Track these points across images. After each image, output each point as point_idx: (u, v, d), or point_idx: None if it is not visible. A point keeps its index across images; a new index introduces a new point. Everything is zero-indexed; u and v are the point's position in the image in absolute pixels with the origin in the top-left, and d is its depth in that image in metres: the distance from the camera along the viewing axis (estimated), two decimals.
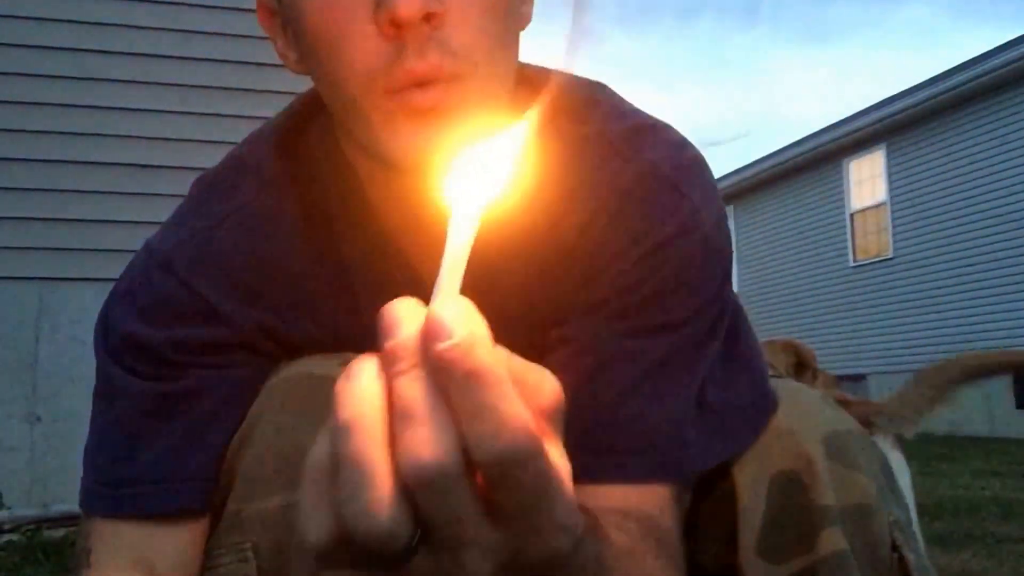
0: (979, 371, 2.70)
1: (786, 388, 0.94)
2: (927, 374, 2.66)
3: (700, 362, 0.83)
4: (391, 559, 0.40)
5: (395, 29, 0.66)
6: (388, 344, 0.39)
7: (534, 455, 0.39)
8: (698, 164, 0.85)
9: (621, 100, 0.89)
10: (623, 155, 0.83)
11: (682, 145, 0.86)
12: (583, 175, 0.83)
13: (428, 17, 0.66)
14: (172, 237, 0.83)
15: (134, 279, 0.83)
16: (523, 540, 0.41)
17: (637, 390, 0.79)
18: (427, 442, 0.37)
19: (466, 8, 0.69)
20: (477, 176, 0.41)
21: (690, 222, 0.81)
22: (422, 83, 0.68)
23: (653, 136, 0.85)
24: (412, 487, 0.38)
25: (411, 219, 0.81)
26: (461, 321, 0.38)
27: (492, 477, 0.39)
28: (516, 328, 0.85)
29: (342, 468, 0.38)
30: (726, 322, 0.86)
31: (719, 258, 0.84)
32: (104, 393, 0.82)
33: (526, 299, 0.84)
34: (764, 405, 0.88)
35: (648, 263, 0.80)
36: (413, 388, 0.38)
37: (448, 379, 0.37)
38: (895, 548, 0.85)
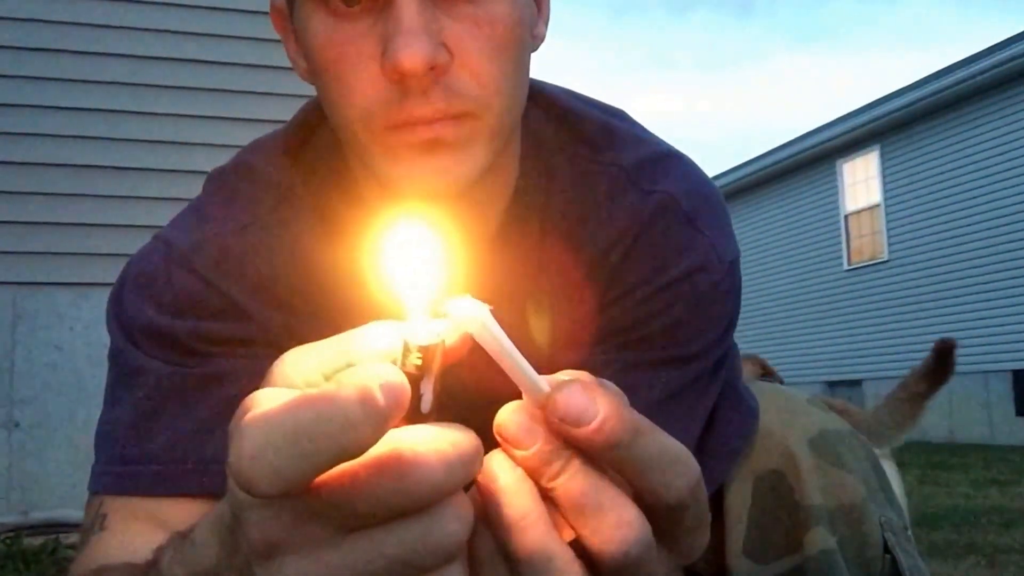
0: (932, 373, 2.72)
1: (772, 390, 0.94)
2: (897, 393, 2.70)
3: (707, 396, 0.83)
4: None
5: (399, 76, 0.66)
6: (532, 451, 0.39)
7: (701, 474, 0.42)
8: (715, 198, 0.86)
9: (639, 127, 0.90)
10: (641, 186, 0.83)
11: (700, 178, 0.86)
12: (600, 204, 0.84)
13: (433, 68, 0.66)
14: (192, 235, 0.83)
15: (152, 272, 0.82)
16: (687, 547, 0.44)
17: None
18: (624, 523, 0.39)
19: (475, 54, 0.69)
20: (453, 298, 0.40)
21: (706, 259, 0.82)
22: (425, 122, 0.68)
23: (671, 167, 0.85)
24: (613, 566, 0.39)
25: None
26: (593, 396, 0.39)
27: (675, 513, 0.41)
28: (527, 350, 0.84)
29: (527, 560, 0.39)
30: (732, 354, 0.87)
31: (732, 295, 0.84)
32: (121, 375, 0.81)
33: (539, 321, 0.85)
34: (752, 422, 0.88)
35: (662, 297, 0.81)
36: (584, 480, 0.39)
37: (618, 448, 0.39)
38: (887, 549, 0.84)
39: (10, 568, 3.09)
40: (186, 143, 4.01)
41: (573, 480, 0.39)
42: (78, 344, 3.95)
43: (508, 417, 0.39)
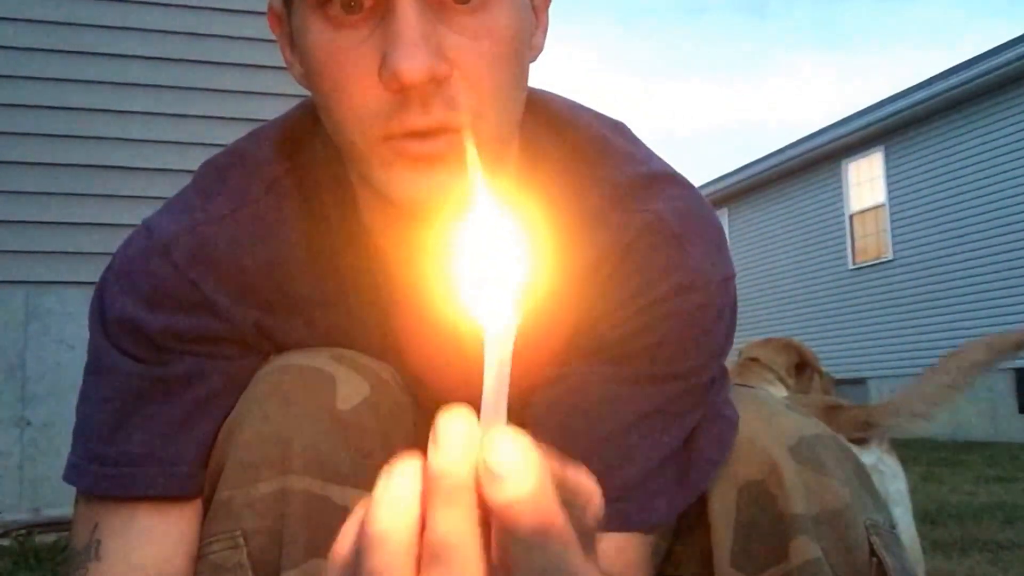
0: (1002, 348, 2.62)
1: (750, 397, 0.94)
2: (942, 365, 2.60)
3: (688, 416, 0.83)
4: None
5: (398, 86, 0.66)
6: (438, 463, 0.36)
7: None
8: (706, 219, 0.86)
9: (637, 144, 0.90)
10: (630, 205, 0.83)
11: (691, 198, 0.86)
12: (590, 220, 0.83)
13: (433, 79, 0.66)
14: (174, 224, 0.82)
15: (132, 260, 0.82)
16: None
17: (616, 439, 0.80)
18: None
19: (474, 65, 0.68)
20: (501, 293, 0.39)
21: (690, 280, 0.81)
22: (424, 135, 0.68)
23: (663, 187, 0.85)
24: None
25: (402, 240, 0.82)
26: (527, 468, 0.36)
27: None
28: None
29: None
30: (723, 377, 0.87)
31: (722, 315, 0.84)
32: (95, 368, 0.82)
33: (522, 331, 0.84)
34: (731, 433, 0.88)
35: (646, 317, 0.81)
36: (451, 525, 0.36)
37: (508, 531, 0.36)
38: (874, 552, 0.84)
39: (22, 565, 3.10)
40: (198, 143, 4.03)
41: (450, 521, 0.36)
42: None
43: (452, 420, 0.37)
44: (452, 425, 0.37)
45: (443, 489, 0.36)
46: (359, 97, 0.68)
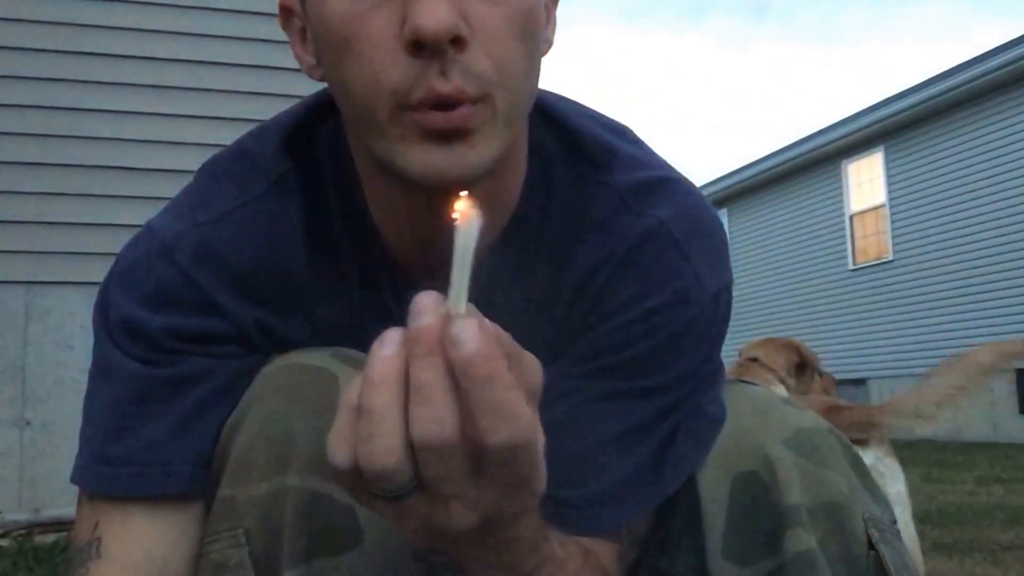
0: (1008, 353, 2.61)
1: (746, 392, 0.93)
2: (947, 367, 2.58)
3: (666, 424, 0.83)
4: (390, 496, 0.52)
5: (421, 49, 0.66)
6: (413, 327, 0.49)
7: (532, 443, 0.51)
8: (709, 226, 0.85)
9: (642, 148, 0.90)
10: (634, 209, 0.83)
11: (695, 205, 0.86)
12: (592, 224, 0.84)
13: (455, 41, 0.66)
14: (175, 224, 0.83)
15: (135, 261, 0.82)
16: (504, 499, 0.54)
17: (593, 454, 0.81)
18: (432, 418, 0.49)
19: (492, 32, 0.69)
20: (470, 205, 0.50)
21: (689, 290, 0.82)
22: (443, 105, 0.68)
23: (666, 192, 0.85)
24: (415, 447, 0.49)
25: (408, 233, 0.82)
26: (480, 331, 0.48)
27: (493, 456, 0.50)
28: None
29: (364, 414, 0.50)
30: (710, 379, 0.86)
31: (714, 327, 0.84)
32: (100, 371, 0.82)
33: (518, 332, 0.84)
34: (711, 433, 0.87)
35: (640, 326, 0.81)
36: (427, 373, 0.49)
37: (466, 378, 0.48)
38: (872, 546, 0.83)
39: (22, 566, 3.10)
40: (198, 144, 4.03)
41: (427, 370, 0.49)
42: (89, 343, 3.93)
43: (424, 299, 0.50)
44: (424, 302, 0.50)
45: (420, 347, 0.49)
46: (380, 65, 0.68)
